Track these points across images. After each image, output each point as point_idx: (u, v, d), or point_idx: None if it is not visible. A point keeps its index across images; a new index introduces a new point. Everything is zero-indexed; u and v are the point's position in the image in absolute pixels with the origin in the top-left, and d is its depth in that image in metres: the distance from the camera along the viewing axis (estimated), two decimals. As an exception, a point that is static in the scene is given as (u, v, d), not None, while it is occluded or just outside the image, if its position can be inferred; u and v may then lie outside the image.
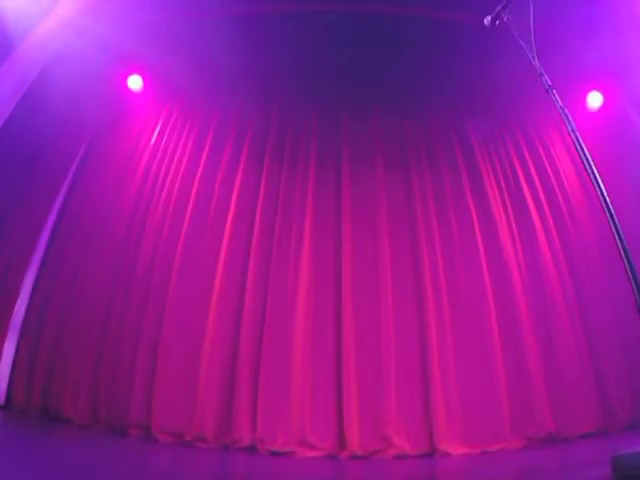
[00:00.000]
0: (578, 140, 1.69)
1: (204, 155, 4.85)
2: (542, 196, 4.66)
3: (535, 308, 4.10)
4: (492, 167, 4.85)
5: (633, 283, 1.45)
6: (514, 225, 4.50)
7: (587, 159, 1.65)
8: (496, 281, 4.19)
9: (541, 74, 1.88)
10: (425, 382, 3.75)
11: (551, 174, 4.79)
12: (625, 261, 1.50)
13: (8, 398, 3.66)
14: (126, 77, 4.79)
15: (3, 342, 3.65)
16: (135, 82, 4.84)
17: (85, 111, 4.48)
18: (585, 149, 1.68)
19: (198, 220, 4.44)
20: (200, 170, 4.75)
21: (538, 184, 4.74)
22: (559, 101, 1.80)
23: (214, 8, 4.31)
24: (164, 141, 4.97)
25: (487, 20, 2.13)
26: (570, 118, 1.75)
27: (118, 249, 4.28)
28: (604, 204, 1.59)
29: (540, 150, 4.95)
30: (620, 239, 1.55)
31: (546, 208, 4.58)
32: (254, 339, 3.90)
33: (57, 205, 4.30)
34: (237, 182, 4.65)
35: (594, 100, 4.75)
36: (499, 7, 2.08)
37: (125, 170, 4.72)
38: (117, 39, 4.24)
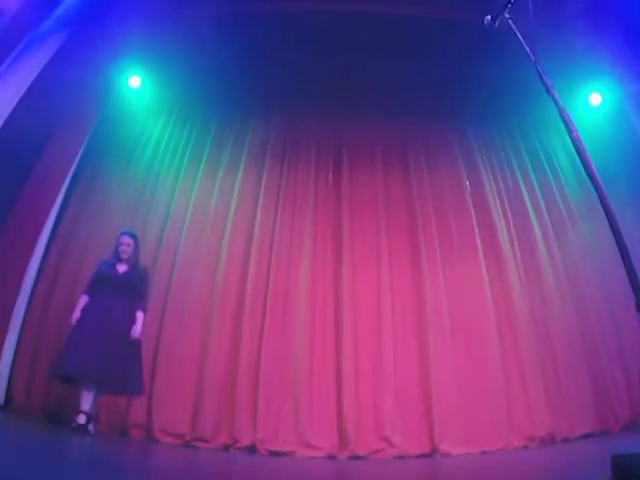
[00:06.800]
0: (578, 141, 1.69)
1: (204, 156, 4.86)
2: (541, 198, 4.68)
3: (534, 309, 4.10)
4: (492, 169, 4.86)
5: (632, 283, 1.45)
6: (513, 229, 4.51)
7: (586, 159, 1.65)
8: (495, 283, 4.20)
9: (541, 74, 1.88)
10: (425, 382, 3.75)
11: (550, 175, 4.81)
12: (624, 261, 1.50)
13: (8, 398, 3.66)
14: (127, 77, 4.78)
15: (3, 342, 3.65)
16: (136, 82, 4.84)
17: (85, 110, 4.48)
18: (585, 149, 1.67)
19: (200, 222, 4.45)
20: (200, 171, 4.76)
21: (537, 186, 4.76)
22: (559, 101, 1.79)
23: (214, 8, 4.31)
24: (165, 141, 4.98)
25: (487, 20, 2.12)
26: (570, 118, 1.74)
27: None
28: (603, 205, 1.58)
29: (540, 151, 4.96)
30: (619, 239, 1.55)
31: (545, 211, 4.61)
32: (255, 339, 3.91)
33: (58, 204, 4.29)
34: (237, 184, 4.66)
35: (594, 100, 4.75)
36: (499, 7, 2.07)
37: (126, 170, 4.73)
38: (118, 39, 4.24)
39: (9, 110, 3.34)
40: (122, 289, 3.36)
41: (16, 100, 3.39)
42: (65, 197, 4.39)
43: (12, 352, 3.78)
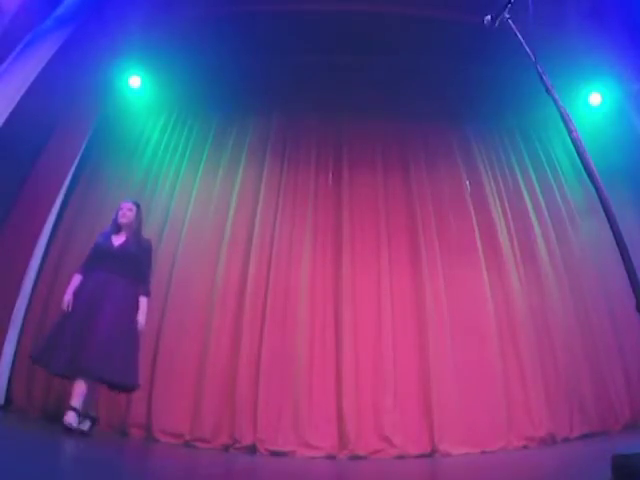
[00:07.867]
0: (578, 141, 1.69)
1: (204, 155, 4.87)
2: (541, 198, 4.69)
3: (534, 308, 4.10)
4: (492, 169, 4.86)
5: (632, 283, 1.45)
6: (513, 229, 4.51)
7: (586, 159, 1.65)
8: (495, 283, 4.20)
9: (541, 74, 1.88)
10: (425, 382, 3.76)
11: (550, 175, 4.81)
12: (624, 261, 1.50)
13: (8, 398, 3.66)
14: (127, 77, 4.79)
15: (3, 342, 3.65)
16: (136, 82, 4.84)
17: (85, 110, 4.48)
18: (585, 149, 1.67)
19: (200, 222, 4.46)
20: (200, 171, 4.76)
21: (537, 186, 4.76)
22: (559, 101, 1.80)
23: (214, 8, 4.31)
24: (165, 141, 4.98)
25: (487, 19, 2.13)
26: (570, 118, 1.75)
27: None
28: (603, 205, 1.59)
29: (540, 151, 4.96)
30: (619, 239, 1.55)
31: (545, 211, 4.61)
32: (255, 339, 3.91)
33: (58, 204, 4.29)
34: (237, 183, 4.66)
35: (594, 100, 4.74)
36: (499, 7, 2.08)
37: (126, 170, 4.73)
38: (118, 38, 4.24)
39: (9, 110, 3.34)
40: (118, 264, 2.97)
41: (16, 100, 3.39)
42: (65, 197, 4.39)
43: (12, 352, 3.78)
